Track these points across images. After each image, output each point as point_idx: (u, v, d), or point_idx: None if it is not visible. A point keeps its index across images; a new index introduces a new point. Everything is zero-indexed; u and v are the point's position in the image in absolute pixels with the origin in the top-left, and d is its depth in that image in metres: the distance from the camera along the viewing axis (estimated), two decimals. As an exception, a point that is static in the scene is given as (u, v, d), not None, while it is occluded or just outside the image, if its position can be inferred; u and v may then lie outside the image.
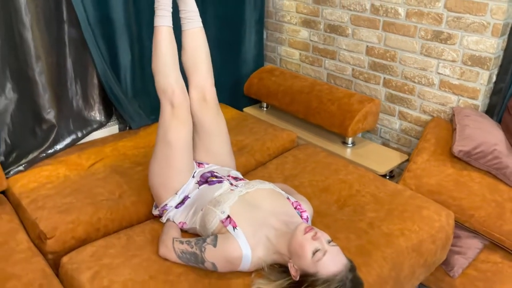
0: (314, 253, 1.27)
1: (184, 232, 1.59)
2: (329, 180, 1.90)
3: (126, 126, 2.34)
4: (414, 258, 1.59)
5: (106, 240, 1.57)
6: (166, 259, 1.46)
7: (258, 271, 1.39)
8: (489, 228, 1.78)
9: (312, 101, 2.28)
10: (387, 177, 2.20)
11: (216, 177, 1.62)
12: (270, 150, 2.17)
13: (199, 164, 1.70)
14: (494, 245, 1.84)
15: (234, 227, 1.40)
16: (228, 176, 1.65)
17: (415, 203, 1.76)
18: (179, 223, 1.59)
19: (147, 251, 1.51)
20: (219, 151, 1.71)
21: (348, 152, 2.23)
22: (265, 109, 2.70)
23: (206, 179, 1.60)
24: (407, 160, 2.17)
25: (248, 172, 2.03)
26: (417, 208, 1.74)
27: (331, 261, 1.26)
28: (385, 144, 2.46)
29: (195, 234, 1.57)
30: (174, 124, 1.55)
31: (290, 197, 1.57)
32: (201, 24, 1.70)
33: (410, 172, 1.96)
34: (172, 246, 1.45)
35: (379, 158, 2.18)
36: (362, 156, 2.20)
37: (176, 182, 1.58)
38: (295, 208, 1.54)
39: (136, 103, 2.33)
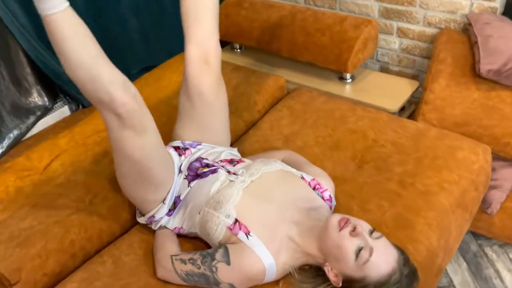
0: (357, 254, 0.99)
1: (183, 236, 1.29)
2: (337, 133, 1.58)
3: (78, 104, 1.92)
4: (460, 215, 1.34)
5: (87, 269, 1.25)
6: (168, 282, 1.17)
7: (286, 278, 1.12)
8: (528, 154, 1.54)
9: (296, 34, 1.87)
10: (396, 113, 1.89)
11: (208, 165, 1.27)
12: (259, 104, 1.81)
13: (185, 150, 1.33)
14: (531, 170, 1.62)
15: (247, 234, 1.09)
16: (221, 160, 1.30)
17: (444, 144, 1.48)
18: (175, 228, 1.27)
19: (142, 275, 1.20)
20: (214, 127, 1.35)
21: (348, 90, 1.89)
22: (238, 50, 2.28)
23: (196, 172, 1.26)
24: (419, 87, 1.86)
25: (239, 138, 1.69)
26: (448, 150, 1.46)
27: (381, 260, 0.99)
28: (384, 68, 2.13)
29: (196, 237, 1.26)
30: (128, 136, 1.11)
31: (304, 174, 1.25)
32: None
33: (429, 104, 1.66)
34: (171, 267, 1.14)
35: (386, 90, 1.85)
36: (366, 91, 1.86)
37: (159, 193, 1.23)
38: (314, 188, 1.23)
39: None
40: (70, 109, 1.91)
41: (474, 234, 1.75)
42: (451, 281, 1.60)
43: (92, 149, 1.66)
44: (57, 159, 1.63)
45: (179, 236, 1.29)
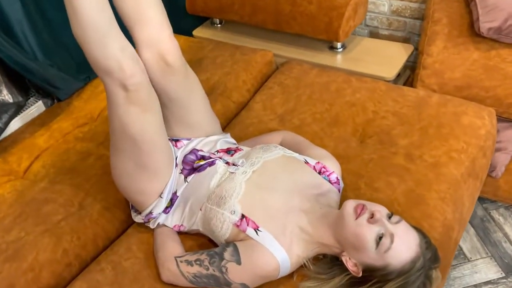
0: (377, 242, 0.93)
1: (184, 233, 1.21)
2: (335, 108, 1.50)
3: (53, 99, 1.78)
4: (472, 184, 1.29)
5: (86, 278, 1.16)
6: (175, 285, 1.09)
7: (300, 270, 1.05)
8: (532, 113, 1.48)
9: (282, 4, 1.75)
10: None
11: (204, 157, 1.18)
12: (247, 83, 1.71)
13: (176, 142, 1.23)
14: (534, 128, 1.57)
15: (256, 229, 1.01)
16: (217, 151, 1.21)
17: (448, 110, 1.41)
18: (174, 226, 1.18)
19: (146, 280, 1.12)
20: (198, 122, 1.24)
21: (340, 59, 1.80)
22: (219, 25, 2.14)
23: (192, 165, 1.16)
24: (415, 51, 1.77)
25: (230, 121, 1.59)
26: (453, 116, 1.39)
27: (403, 246, 0.93)
28: (374, 33, 2.03)
29: (199, 234, 1.18)
30: (133, 113, 1.03)
31: (307, 158, 1.17)
32: None
33: (427, 69, 1.58)
34: (177, 270, 1.07)
35: (379, 57, 1.76)
36: (359, 60, 1.77)
37: (157, 183, 1.13)
38: (320, 172, 1.15)
39: (53, 64, 1.73)
40: (45, 104, 1.77)
41: (479, 198, 1.71)
42: (460, 248, 1.57)
43: (74, 146, 1.54)
44: (38, 160, 1.51)
45: (180, 233, 1.21)
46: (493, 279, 1.47)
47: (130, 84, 1.00)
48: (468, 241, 1.59)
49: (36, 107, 1.74)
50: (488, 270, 1.49)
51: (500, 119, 1.55)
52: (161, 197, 1.14)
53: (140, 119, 1.04)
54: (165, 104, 1.17)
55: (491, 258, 1.53)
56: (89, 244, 1.27)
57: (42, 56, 1.69)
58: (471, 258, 1.54)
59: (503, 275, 1.48)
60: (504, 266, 1.50)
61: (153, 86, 1.11)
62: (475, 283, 1.47)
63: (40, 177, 1.44)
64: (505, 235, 1.59)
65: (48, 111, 1.73)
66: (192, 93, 1.20)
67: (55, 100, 1.78)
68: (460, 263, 1.53)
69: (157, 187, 1.14)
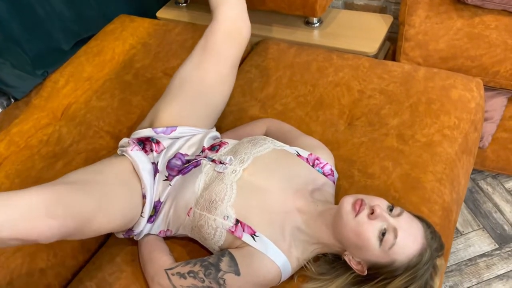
0: (380, 239, 0.87)
1: (171, 238, 1.12)
2: (318, 89, 1.41)
3: (9, 98, 1.62)
4: (466, 161, 1.25)
5: (68, 301, 1.07)
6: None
7: (301, 271, 0.99)
8: (518, 80, 1.45)
9: (252, -21, 1.62)
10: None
11: (188, 161, 1.08)
12: (223, 67, 1.59)
13: (157, 142, 1.12)
14: (518, 95, 1.54)
15: (253, 235, 0.94)
16: (202, 150, 1.10)
17: (436, 84, 1.35)
18: (160, 232, 1.09)
19: (135, 296, 1.04)
20: (205, 111, 1.18)
21: (317, 35, 1.70)
22: (184, 4, 1.99)
23: (179, 171, 1.06)
24: (394, 21, 1.69)
25: (208, 110, 1.48)
26: (442, 91, 1.33)
27: (408, 240, 0.87)
28: (348, 4, 1.93)
29: (187, 238, 1.10)
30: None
31: (299, 150, 1.09)
32: None
33: (410, 41, 1.51)
34: (169, 284, 0.98)
35: (359, 30, 1.67)
36: (338, 35, 1.68)
37: (136, 209, 1.04)
38: (313, 165, 1.08)
39: (5, 61, 1.56)
40: (1, 105, 1.61)
41: (466, 169, 1.70)
42: (451, 222, 1.56)
43: (39, 151, 1.41)
44: (0, 170, 1.37)
45: (166, 238, 1.12)
46: (487, 251, 1.46)
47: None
48: (460, 215, 1.58)
49: (-8, 110, 1.58)
50: (481, 242, 1.48)
51: (486, 88, 1.51)
52: (142, 216, 1.04)
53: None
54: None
55: (483, 230, 1.52)
56: (68, 259, 1.17)
57: (-8, 52, 1.53)
58: (463, 231, 1.53)
59: (497, 246, 1.47)
60: (496, 237, 1.50)
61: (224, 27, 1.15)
62: (469, 257, 1.46)
63: (4, 189, 1.31)
64: (495, 205, 1.58)
65: (4, 113, 1.57)
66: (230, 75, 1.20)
67: (12, 100, 1.62)
68: (453, 238, 1.52)
69: (136, 212, 1.03)
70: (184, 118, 1.14)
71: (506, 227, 1.51)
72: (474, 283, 1.39)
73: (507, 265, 1.42)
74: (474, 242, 1.49)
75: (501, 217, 1.54)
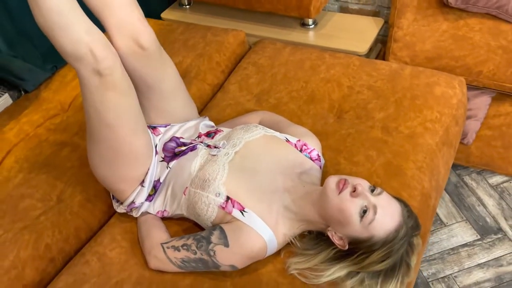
0: (361, 215, 0.95)
1: (168, 219, 1.20)
2: (310, 85, 1.50)
3: (20, 91, 1.71)
4: (446, 152, 1.33)
5: (71, 272, 1.15)
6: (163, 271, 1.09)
7: (288, 247, 1.07)
8: (500, 79, 1.53)
9: (251, -18, 1.73)
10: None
11: (184, 144, 1.17)
12: (222, 65, 1.69)
13: (153, 129, 1.21)
14: (502, 95, 1.62)
15: (242, 210, 1.02)
16: (198, 136, 1.20)
17: (421, 82, 1.44)
18: (158, 212, 1.18)
19: (134, 268, 1.12)
20: (175, 107, 1.22)
21: (312, 36, 1.79)
22: (187, 6, 2.09)
23: (173, 152, 1.15)
24: (385, 24, 1.78)
25: (206, 104, 1.58)
26: (426, 88, 1.42)
27: (386, 217, 0.95)
28: (343, 8, 2.03)
29: (183, 218, 1.18)
30: (109, 98, 1.01)
31: (288, 137, 1.18)
32: None
33: (398, 42, 1.60)
34: (164, 256, 1.07)
35: (351, 32, 1.77)
36: (331, 36, 1.77)
37: (137, 170, 1.12)
38: (301, 150, 1.16)
39: (17, 55, 1.66)
40: (12, 97, 1.71)
41: (453, 165, 1.76)
42: (436, 215, 1.63)
43: (47, 138, 1.50)
44: (9, 156, 1.47)
45: (164, 219, 1.20)
46: (469, 242, 1.53)
47: (103, 68, 0.97)
48: (444, 207, 1.65)
49: (3, 100, 1.67)
50: (464, 233, 1.56)
51: (470, 87, 1.59)
52: (143, 186, 1.13)
53: (116, 104, 1.02)
54: (142, 91, 1.15)
55: (466, 222, 1.59)
56: (72, 237, 1.25)
57: (5, 47, 1.63)
58: (447, 223, 1.60)
59: (478, 237, 1.55)
60: (479, 228, 1.57)
61: (129, 75, 1.08)
62: (452, 247, 1.53)
63: (13, 173, 1.40)
64: (478, 199, 1.66)
65: (15, 104, 1.67)
66: (168, 77, 1.18)
67: (22, 92, 1.72)
68: (437, 229, 1.59)
69: (138, 175, 1.12)
70: (170, 119, 1.23)
71: (488, 219, 1.58)
72: (455, 271, 1.46)
73: (488, 254, 1.49)
74: (457, 233, 1.56)
75: (484, 210, 1.62)
